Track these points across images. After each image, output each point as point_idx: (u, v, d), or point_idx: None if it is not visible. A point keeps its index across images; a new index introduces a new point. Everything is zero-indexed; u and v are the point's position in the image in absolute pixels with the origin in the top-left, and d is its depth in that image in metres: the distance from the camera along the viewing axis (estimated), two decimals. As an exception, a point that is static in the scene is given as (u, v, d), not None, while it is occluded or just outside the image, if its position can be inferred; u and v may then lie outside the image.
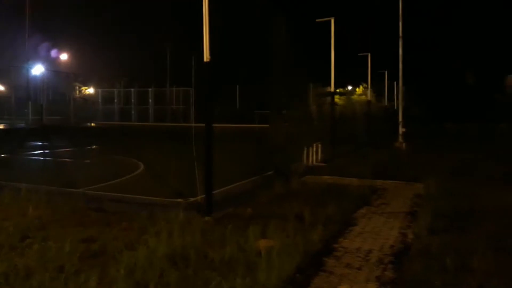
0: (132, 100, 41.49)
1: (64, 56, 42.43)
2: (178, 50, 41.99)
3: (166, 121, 39.28)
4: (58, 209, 5.86)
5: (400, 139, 18.86)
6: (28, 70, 32.01)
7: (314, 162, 11.75)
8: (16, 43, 33.54)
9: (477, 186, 7.88)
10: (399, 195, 7.48)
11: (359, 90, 40.71)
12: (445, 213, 5.85)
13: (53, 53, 40.45)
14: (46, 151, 15.49)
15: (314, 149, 11.87)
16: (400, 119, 19.55)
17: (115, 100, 41.62)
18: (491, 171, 9.94)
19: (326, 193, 7.38)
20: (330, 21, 12.72)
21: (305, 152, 11.36)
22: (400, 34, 19.51)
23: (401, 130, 19.20)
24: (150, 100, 41.19)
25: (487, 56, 41.34)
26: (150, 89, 41.10)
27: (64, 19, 40.99)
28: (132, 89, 41.46)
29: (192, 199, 6.74)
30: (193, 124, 6.66)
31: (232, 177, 8.07)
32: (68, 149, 16.23)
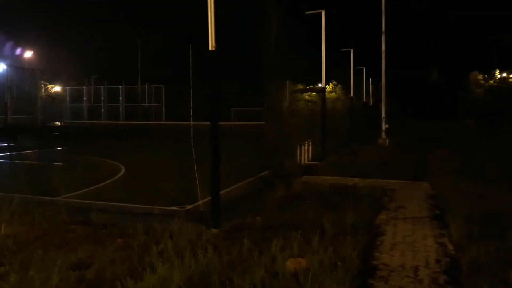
0: (102, 98, 39.91)
1: (28, 54, 40.28)
2: (150, 46, 40.67)
3: (137, 119, 37.98)
4: (36, 224, 4.99)
5: (383, 135, 18.60)
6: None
7: (306, 161, 11.16)
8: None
9: (486, 186, 7.45)
10: (411, 196, 6.95)
11: (328, 87, 40.60)
12: (473, 217, 5.33)
13: (18, 50, 38.34)
14: (13, 152, 14.28)
15: (305, 147, 11.28)
16: (383, 115, 19.29)
17: (84, 98, 39.90)
18: (484, 168, 9.60)
19: (334, 196, 6.78)
20: (320, 13, 12.11)
21: (298, 150, 10.74)
22: (383, 29, 19.22)
23: (384, 126, 18.94)
24: (120, 98, 39.72)
25: (451, 53, 42.12)
26: (120, 86, 39.64)
27: (28, 15, 38.91)
28: (102, 87, 39.87)
29: (189, 207, 6.00)
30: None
31: (225, 179, 7.30)
32: (37, 150, 15.05)
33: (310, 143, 11.59)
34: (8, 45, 33.59)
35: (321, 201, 6.31)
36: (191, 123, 5.92)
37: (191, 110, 6.00)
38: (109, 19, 42.70)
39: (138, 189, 7.83)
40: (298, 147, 10.77)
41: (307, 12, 11.78)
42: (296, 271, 3.51)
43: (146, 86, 40.66)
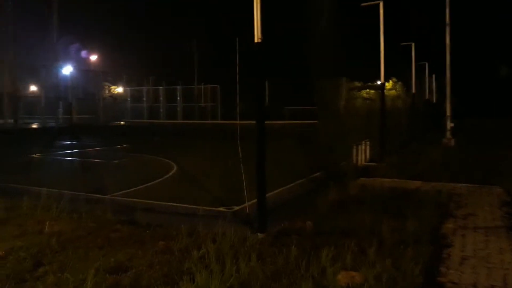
0: (161, 98, 41.17)
1: (94, 57, 42.47)
2: (205, 48, 41.31)
3: (194, 119, 38.75)
4: (81, 222, 4.94)
5: (448, 134, 17.37)
6: (58, 70, 31.92)
7: (363, 162, 10.55)
8: (46, 43, 33.52)
9: None
10: (482, 202, 6.23)
11: (388, 84, 38.89)
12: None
13: (83, 53, 40.49)
14: (75, 150, 14.89)
15: (363, 147, 10.67)
16: (448, 113, 18.02)
17: (144, 99, 41.37)
18: None
19: (394, 200, 6.22)
20: (377, 5, 11.42)
21: (354, 150, 10.17)
22: (448, 21, 17.98)
23: (449, 125, 17.68)
24: (178, 98, 40.76)
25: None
26: (178, 87, 40.66)
27: (93, 20, 40.93)
28: (160, 87, 41.13)
29: (236, 208, 5.75)
30: (237, 122, 5.63)
31: (276, 179, 6.93)
32: (98, 148, 15.60)
33: (368, 142, 10.96)
34: (74, 47, 35.47)
35: (379, 206, 5.79)
36: (238, 122, 5.66)
37: (238, 107, 5.73)
38: (166, 21, 43.91)
39: (187, 188, 7.72)
40: (355, 146, 10.19)
41: (362, 4, 11.12)
42: (348, 286, 3.11)
43: (202, 86, 41.37)
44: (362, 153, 10.61)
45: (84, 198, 6.22)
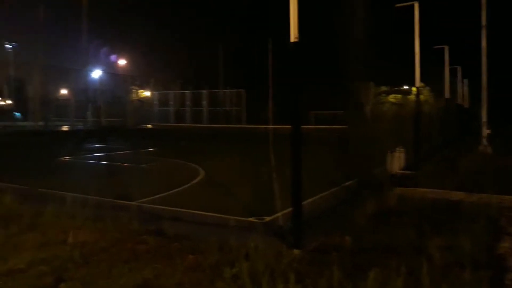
0: (187, 102, 41.39)
1: (122, 62, 43.12)
2: (231, 52, 41.33)
3: (219, 123, 38.76)
4: (106, 232, 4.71)
5: (485, 141, 16.57)
6: (88, 73, 32.46)
7: (398, 170, 10.03)
8: (77, 48, 34.18)
9: None
10: (536, 217, 5.69)
11: (415, 89, 37.67)
12: None
13: (113, 58, 41.18)
14: (103, 154, 14.90)
15: (398, 154, 10.15)
16: (484, 119, 17.20)
17: (171, 102, 41.66)
18: None
19: (437, 214, 5.77)
20: (412, 6, 10.92)
21: (388, 157, 9.68)
22: (484, 23, 17.19)
23: (485, 132, 16.87)
24: (204, 102, 40.88)
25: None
26: (204, 91, 40.82)
27: (123, 25, 41.59)
28: (187, 92, 41.38)
29: (268, 218, 5.41)
30: (271, 126, 5.30)
31: (306, 187, 6.55)
32: (125, 151, 15.57)
33: (403, 149, 10.43)
34: (104, 51, 36.07)
35: (422, 220, 5.34)
36: (271, 126, 5.34)
37: (270, 111, 5.42)
38: (193, 26, 44.18)
39: (215, 194, 7.43)
40: (389, 154, 9.70)
41: (397, 5, 10.64)
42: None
43: (228, 90, 41.41)
44: (397, 161, 10.10)
45: (110, 204, 6.01)
